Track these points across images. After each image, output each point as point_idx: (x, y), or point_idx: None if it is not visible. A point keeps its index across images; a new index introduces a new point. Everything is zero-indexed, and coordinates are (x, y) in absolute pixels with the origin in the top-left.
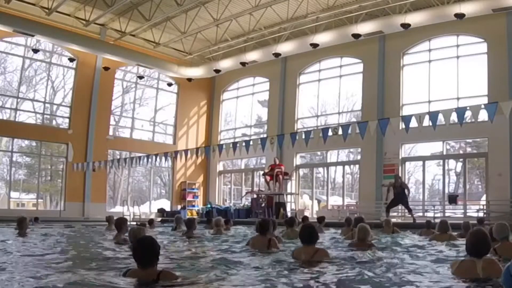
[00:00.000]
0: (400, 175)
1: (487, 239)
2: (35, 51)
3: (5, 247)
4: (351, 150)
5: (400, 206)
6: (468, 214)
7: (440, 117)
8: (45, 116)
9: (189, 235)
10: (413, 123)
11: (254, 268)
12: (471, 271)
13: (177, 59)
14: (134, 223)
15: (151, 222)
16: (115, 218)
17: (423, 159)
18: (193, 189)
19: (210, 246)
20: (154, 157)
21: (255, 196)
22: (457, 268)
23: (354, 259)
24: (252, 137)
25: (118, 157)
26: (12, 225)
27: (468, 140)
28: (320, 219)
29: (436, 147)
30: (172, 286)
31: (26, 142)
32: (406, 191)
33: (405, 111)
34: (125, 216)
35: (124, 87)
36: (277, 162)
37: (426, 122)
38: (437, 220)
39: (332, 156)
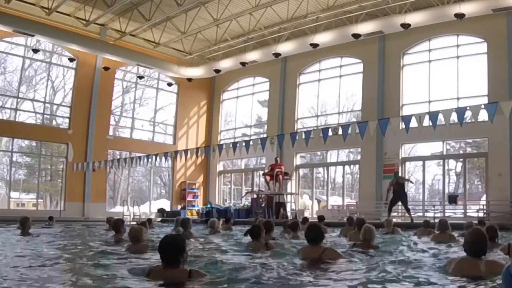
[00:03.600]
0: (398, 171)
1: (485, 238)
2: (35, 51)
3: (9, 247)
4: (351, 150)
5: (400, 206)
6: (468, 214)
7: (440, 117)
8: (45, 116)
9: (186, 236)
10: (413, 123)
11: (262, 268)
12: (471, 270)
13: (177, 59)
14: (134, 223)
15: (149, 221)
16: (113, 218)
17: (423, 159)
18: (193, 189)
19: (206, 247)
20: (154, 157)
21: (255, 196)
22: (456, 266)
23: (359, 259)
24: (252, 137)
25: (118, 157)
26: (12, 225)
27: (468, 140)
28: (320, 218)
29: (436, 147)
30: (203, 285)
31: (26, 142)
32: (406, 185)
33: (405, 111)
34: (125, 216)
35: (124, 87)
36: (278, 162)
37: (426, 122)
38: (437, 220)
39: (332, 156)
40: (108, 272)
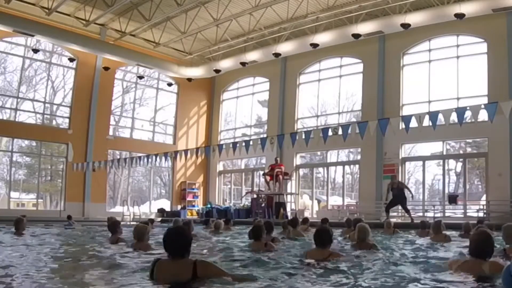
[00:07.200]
0: (396, 174)
1: (491, 240)
2: (35, 51)
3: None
4: (351, 150)
5: (400, 207)
6: (468, 214)
7: (440, 117)
8: (45, 116)
9: None
10: (413, 123)
11: (263, 268)
12: (474, 271)
13: (177, 59)
14: (135, 223)
15: (151, 221)
16: (113, 219)
17: (423, 159)
18: (193, 189)
19: (209, 247)
20: (154, 157)
21: (255, 196)
22: (459, 267)
23: (357, 260)
24: (252, 137)
25: (118, 157)
26: (12, 226)
27: (468, 140)
28: (323, 221)
29: (436, 147)
30: (210, 277)
31: (26, 142)
32: (406, 191)
33: (405, 111)
34: (125, 216)
35: (124, 87)
36: (278, 162)
37: (426, 122)
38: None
39: (332, 156)
40: (111, 270)
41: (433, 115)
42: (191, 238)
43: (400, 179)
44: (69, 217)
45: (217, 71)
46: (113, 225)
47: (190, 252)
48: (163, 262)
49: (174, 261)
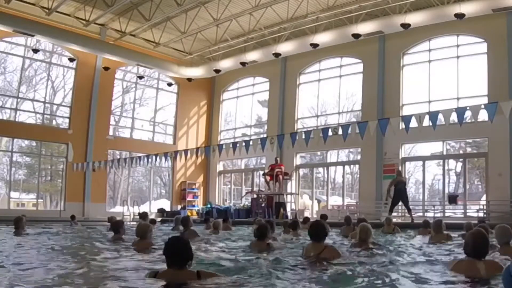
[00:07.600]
0: (401, 170)
1: (487, 240)
2: (35, 51)
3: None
4: (351, 150)
5: (400, 206)
6: (468, 214)
7: (440, 117)
8: (45, 116)
9: (188, 235)
10: (413, 123)
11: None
12: (470, 271)
13: (177, 59)
14: (135, 223)
15: (153, 222)
16: (115, 219)
17: (423, 159)
18: (193, 189)
19: (210, 246)
20: (154, 157)
21: (255, 196)
22: (455, 267)
23: (356, 259)
24: (252, 137)
25: (118, 157)
26: (11, 226)
27: (468, 140)
28: (322, 217)
29: (436, 147)
30: (213, 286)
31: (26, 142)
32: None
33: (405, 111)
34: (125, 216)
35: (124, 87)
36: (278, 162)
37: (426, 122)
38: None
39: (332, 156)
40: (112, 269)
41: (433, 115)
42: (191, 249)
43: None
44: (72, 217)
45: (217, 71)
46: (116, 224)
47: (191, 263)
48: (164, 273)
49: (176, 272)
